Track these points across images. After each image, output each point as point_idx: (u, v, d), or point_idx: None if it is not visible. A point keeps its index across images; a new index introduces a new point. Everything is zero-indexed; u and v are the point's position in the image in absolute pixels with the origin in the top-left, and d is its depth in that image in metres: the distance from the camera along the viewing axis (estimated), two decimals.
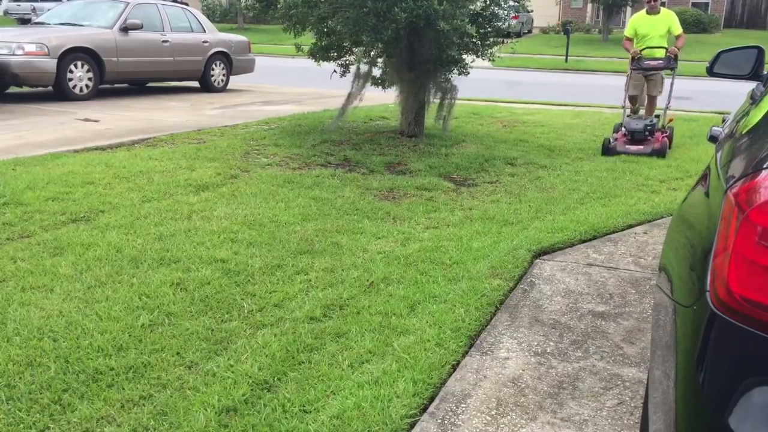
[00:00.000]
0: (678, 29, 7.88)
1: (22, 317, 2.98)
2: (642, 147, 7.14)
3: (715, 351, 1.28)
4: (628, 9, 35.09)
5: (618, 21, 37.26)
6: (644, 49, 7.71)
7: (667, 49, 7.78)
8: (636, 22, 8.03)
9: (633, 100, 8.07)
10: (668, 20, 7.88)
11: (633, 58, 7.75)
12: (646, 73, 7.78)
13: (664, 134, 7.51)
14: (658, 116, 7.71)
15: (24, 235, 4.05)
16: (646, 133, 7.24)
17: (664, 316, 1.59)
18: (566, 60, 23.81)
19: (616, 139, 7.33)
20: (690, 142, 8.13)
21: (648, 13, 7.97)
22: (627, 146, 7.17)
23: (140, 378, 2.56)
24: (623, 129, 7.42)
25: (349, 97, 7.43)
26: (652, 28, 7.86)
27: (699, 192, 1.76)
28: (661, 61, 7.64)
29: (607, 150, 7.13)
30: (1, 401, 2.37)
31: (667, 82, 7.98)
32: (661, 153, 7.10)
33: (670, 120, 8.02)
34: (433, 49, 6.94)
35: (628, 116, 7.55)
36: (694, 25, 34.32)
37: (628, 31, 8.08)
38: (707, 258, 1.33)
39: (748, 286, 1.23)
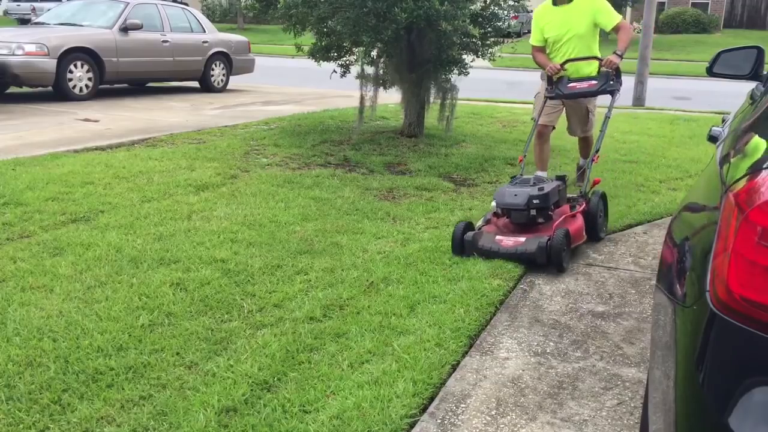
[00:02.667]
0: (611, 19, 5.02)
1: (21, 317, 2.97)
2: (522, 240, 3.84)
3: (715, 351, 1.28)
4: (629, 9, 35.12)
5: None
6: (566, 62, 4.97)
7: (600, 60, 4.99)
8: (540, 19, 5.20)
9: (542, 134, 5.33)
10: (591, 9, 5.05)
11: (549, 79, 4.98)
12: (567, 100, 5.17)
13: (579, 209, 4.22)
14: (563, 178, 4.32)
15: (24, 235, 4.04)
16: (533, 212, 3.96)
17: (664, 316, 1.59)
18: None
19: (485, 223, 4.20)
20: (690, 142, 8.12)
21: (555, 3, 5.16)
22: (497, 239, 3.90)
23: (140, 378, 2.56)
24: (494, 203, 4.15)
25: (362, 101, 7.43)
26: (566, 27, 5.07)
27: (699, 192, 1.76)
28: (592, 83, 4.83)
29: (460, 245, 3.89)
30: (1, 401, 2.37)
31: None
32: (553, 258, 3.75)
33: (596, 182, 4.58)
34: (434, 49, 6.94)
35: (513, 177, 4.39)
36: (693, 25, 34.33)
37: (534, 38, 5.25)
38: (707, 258, 1.33)
39: (748, 286, 1.23)
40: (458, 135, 7.91)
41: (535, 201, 3.92)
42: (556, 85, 4.94)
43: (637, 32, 12.40)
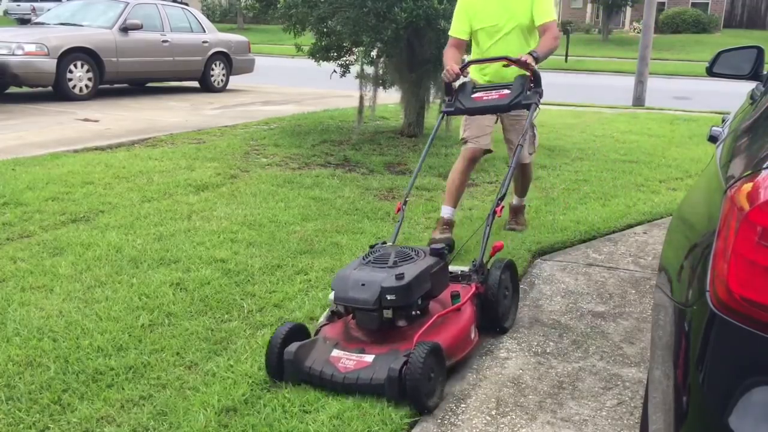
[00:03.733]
0: (546, 14, 3.96)
1: (21, 317, 2.98)
2: (368, 360, 2.53)
3: (715, 351, 1.28)
4: (629, 9, 35.14)
5: (618, 21, 37.29)
6: (468, 64, 3.84)
7: (528, 65, 3.57)
8: (469, 6, 4.05)
9: (472, 159, 4.19)
10: None
11: (447, 88, 3.74)
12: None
13: (466, 296, 2.86)
14: (440, 252, 2.82)
15: (24, 235, 4.04)
16: (389, 311, 2.58)
17: (664, 316, 1.59)
18: (566, 60, 23.81)
19: (327, 321, 2.82)
20: (690, 142, 8.12)
21: None
22: (334, 356, 2.56)
23: (140, 378, 2.56)
24: (332, 296, 2.70)
25: (361, 101, 7.43)
26: (506, 15, 3.98)
27: (699, 192, 1.76)
28: (503, 92, 3.57)
29: (277, 367, 2.55)
30: (1, 401, 2.37)
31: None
32: (409, 394, 2.39)
33: (496, 248, 3.11)
34: (434, 49, 6.93)
35: (372, 247, 2.95)
36: (693, 25, 34.35)
37: (456, 28, 4.09)
38: (707, 258, 1.33)
39: (748, 286, 1.23)
40: (458, 135, 7.90)
41: (389, 297, 2.50)
42: (456, 95, 3.66)
43: (637, 32, 12.39)
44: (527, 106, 3.52)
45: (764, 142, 1.51)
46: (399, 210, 3.38)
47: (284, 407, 2.40)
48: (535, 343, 3.01)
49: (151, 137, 7.20)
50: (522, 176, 4.40)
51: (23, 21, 22.66)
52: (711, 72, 3.38)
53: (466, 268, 3.11)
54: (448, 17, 6.45)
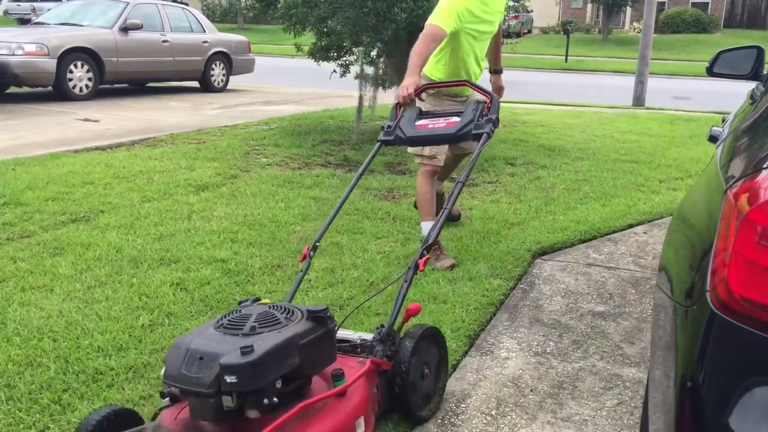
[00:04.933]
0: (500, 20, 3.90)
1: (22, 317, 2.98)
2: None
3: (715, 351, 1.28)
4: (629, 9, 35.14)
5: (618, 21, 37.29)
6: (425, 87, 3.52)
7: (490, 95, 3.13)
8: (465, 2, 3.63)
9: (435, 169, 3.96)
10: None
11: (395, 107, 3.22)
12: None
13: (357, 374, 2.11)
14: (321, 315, 2.01)
15: (24, 235, 4.05)
16: (232, 398, 1.79)
17: (664, 316, 1.59)
18: (566, 60, 23.83)
19: (165, 408, 1.96)
20: (690, 142, 8.12)
21: None
22: None
23: (140, 378, 2.56)
24: (163, 374, 1.89)
25: (360, 101, 7.42)
26: (493, 19, 3.80)
27: (699, 192, 1.76)
28: (451, 120, 3.03)
29: None
30: (1, 401, 2.37)
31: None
32: None
33: (411, 311, 2.35)
34: None
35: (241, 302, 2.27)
36: (693, 24, 34.36)
37: (447, 21, 3.56)
38: (707, 258, 1.33)
39: (748, 286, 1.23)
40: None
41: (229, 378, 1.77)
42: (398, 121, 3.10)
43: (637, 32, 12.39)
44: (477, 137, 2.90)
45: (764, 142, 1.51)
46: (304, 257, 2.63)
47: None
48: (535, 343, 3.01)
49: (151, 137, 7.20)
50: (418, 188, 3.94)
51: (23, 21, 22.68)
52: (711, 72, 3.38)
53: (368, 336, 2.38)
54: None
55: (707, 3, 37.06)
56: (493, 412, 2.46)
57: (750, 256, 1.23)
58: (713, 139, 2.65)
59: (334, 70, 7.53)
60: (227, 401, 1.80)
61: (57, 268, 3.53)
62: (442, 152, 3.90)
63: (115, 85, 11.23)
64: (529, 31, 36.40)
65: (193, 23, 11.87)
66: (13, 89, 10.28)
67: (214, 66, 11.99)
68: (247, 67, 12.79)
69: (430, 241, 2.55)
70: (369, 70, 7.45)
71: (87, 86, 9.92)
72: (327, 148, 6.93)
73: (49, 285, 3.34)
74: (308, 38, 7.45)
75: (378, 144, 3.11)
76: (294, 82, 14.08)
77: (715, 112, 10.73)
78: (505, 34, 8.20)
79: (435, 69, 3.83)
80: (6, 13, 28.73)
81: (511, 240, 4.23)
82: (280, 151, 6.68)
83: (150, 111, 9.31)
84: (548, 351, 2.95)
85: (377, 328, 2.38)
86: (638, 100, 12.20)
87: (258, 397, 1.82)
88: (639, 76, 12.27)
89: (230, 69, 12.34)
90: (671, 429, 1.36)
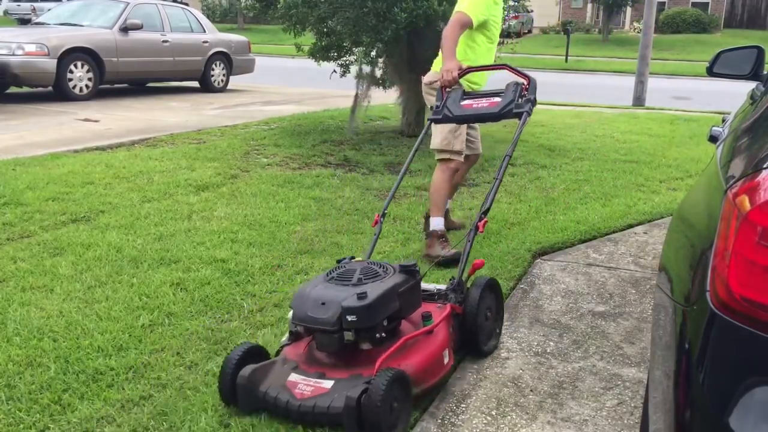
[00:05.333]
0: None
1: (22, 317, 2.98)
2: (327, 387, 2.32)
3: (715, 351, 1.28)
4: (629, 9, 35.13)
5: (618, 21, 37.29)
6: (486, 69, 3.85)
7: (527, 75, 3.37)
8: (491, 2, 3.92)
9: (459, 165, 4.05)
10: None
11: (440, 90, 3.51)
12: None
13: (440, 317, 2.62)
14: (412, 268, 2.57)
15: (24, 235, 4.05)
16: (351, 333, 2.37)
17: (664, 316, 1.59)
18: (566, 60, 23.82)
19: (289, 342, 2.57)
20: (690, 142, 8.12)
21: None
22: (291, 381, 2.36)
23: (140, 378, 2.56)
24: (291, 314, 2.51)
25: (356, 99, 7.41)
26: (500, 22, 4.10)
27: (699, 192, 1.76)
28: (494, 100, 3.31)
29: (230, 391, 2.36)
30: (1, 401, 2.37)
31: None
32: (369, 425, 2.17)
33: (476, 266, 2.87)
34: (434, 49, 6.92)
35: (339, 261, 2.70)
36: (694, 24, 34.35)
37: (477, 11, 3.82)
38: (707, 258, 1.33)
39: (748, 286, 1.23)
40: None
41: (350, 317, 2.30)
42: (445, 101, 3.41)
43: (637, 32, 12.39)
44: (518, 115, 3.21)
45: (764, 142, 1.51)
46: (376, 223, 3.11)
47: None
48: (536, 343, 3.01)
49: (151, 137, 7.20)
50: (434, 182, 4.00)
51: (23, 21, 22.69)
52: (711, 72, 3.38)
53: (443, 287, 2.87)
54: (447, 19, 6.47)
55: (707, 3, 37.06)
56: (494, 412, 2.46)
57: (750, 256, 1.23)
58: (713, 139, 2.65)
59: (334, 70, 7.53)
60: (348, 336, 2.33)
61: (57, 268, 3.53)
62: (465, 150, 4.02)
63: (115, 85, 11.23)
64: (529, 31, 36.40)
65: (193, 23, 11.86)
66: (13, 89, 10.28)
67: (214, 66, 11.99)
68: (248, 67, 12.79)
69: (488, 206, 2.97)
70: (368, 69, 7.45)
71: (87, 86, 9.92)
72: (327, 148, 6.93)
73: (49, 285, 3.34)
74: (308, 38, 7.45)
75: (428, 123, 3.54)
76: (294, 82, 14.08)
77: (715, 112, 10.73)
78: (505, 34, 8.19)
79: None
80: (6, 13, 28.73)
81: (511, 240, 4.23)
82: (281, 151, 6.68)
83: (150, 111, 9.31)
84: (548, 351, 2.95)
85: (450, 280, 2.87)
86: (638, 100, 12.20)
87: (371, 333, 2.36)
88: (639, 76, 12.27)
89: (230, 69, 12.33)
90: (671, 429, 1.36)
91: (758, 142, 1.58)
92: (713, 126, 2.98)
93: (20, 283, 3.34)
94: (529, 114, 3.22)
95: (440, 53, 3.86)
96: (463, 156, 3.99)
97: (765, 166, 1.31)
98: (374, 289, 2.37)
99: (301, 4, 6.81)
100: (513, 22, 30.29)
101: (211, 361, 2.70)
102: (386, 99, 8.68)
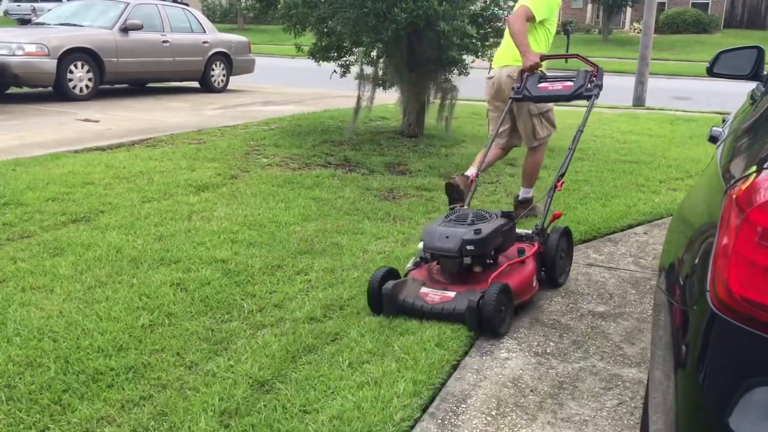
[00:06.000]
0: None
1: (22, 317, 2.98)
2: (451, 296, 3.10)
3: (716, 351, 1.28)
4: (629, 9, 35.12)
5: (618, 21, 37.28)
6: (558, 57, 4.48)
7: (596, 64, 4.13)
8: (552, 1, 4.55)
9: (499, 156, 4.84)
10: None
11: (521, 73, 4.20)
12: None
13: (529, 252, 3.43)
14: (509, 215, 3.43)
15: (24, 235, 4.04)
16: (468, 258, 3.17)
17: (664, 316, 1.59)
18: (566, 61, 23.80)
19: (414, 267, 3.41)
20: (690, 142, 8.12)
21: None
22: (422, 292, 3.15)
23: (140, 378, 2.56)
24: (421, 245, 3.31)
25: (359, 101, 7.41)
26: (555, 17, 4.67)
27: (699, 192, 1.76)
28: (567, 84, 4.02)
29: (378, 300, 3.14)
30: (1, 401, 2.37)
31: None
32: (484, 323, 2.99)
33: (555, 216, 3.74)
34: (434, 49, 6.94)
35: (452, 209, 3.64)
36: (694, 25, 34.34)
37: (539, 9, 4.40)
38: (707, 258, 1.33)
39: (748, 286, 1.23)
40: (458, 135, 7.92)
41: (469, 247, 3.09)
42: (525, 83, 4.07)
43: (637, 32, 12.39)
44: (587, 97, 3.94)
45: (764, 142, 1.51)
46: (472, 181, 4.14)
47: (284, 407, 2.40)
48: (536, 344, 3.01)
49: (151, 137, 7.20)
50: (531, 163, 4.72)
51: (23, 21, 22.68)
52: (711, 72, 3.38)
53: (529, 231, 3.68)
54: (448, 18, 6.48)
55: (707, 3, 37.04)
56: (494, 413, 2.46)
57: (750, 256, 1.23)
58: (713, 139, 2.65)
59: (335, 71, 7.53)
60: (466, 260, 3.14)
61: (57, 269, 3.52)
62: (506, 137, 4.72)
63: (116, 86, 11.22)
64: None
65: (193, 23, 11.86)
66: (13, 89, 10.28)
67: (214, 66, 11.98)
68: (248, 68, 12.78)
69: (564, 170, 3.75)
70: (369, 70, 7.44)
71: (87, 86, 9.92)
72: (327, 149, 6.93)
73: (49, 285, 3.34)
74: (308, 38, 7.45)
75: (510, 101, 4.20)
76: (294, 83, 14.08)
77: (715, 113, 10.72)
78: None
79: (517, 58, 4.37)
80: (6, 13, 28.74)
81: None
82: (281, 152, 6.68)
83: (150, 111, 9.31)
84: (548, 351, 2.95)
85: (535, 227, 3.69)
86: (638, 101, 12.20)
87: (482, 259, 3.19)
88: (639, 77, 12.27)
89: (230, 69, 12.33)
90: (671, 429, 1.36)
91: (758, 142, 1.58)
92: (713, 126, 2.98)
93: (20, 284, 3.34)
94: (597, 96, 3.95)
95: (502, 46, 4.67)
96: (550, 135, 4.68)
97: (765, 166, 1.31)
98: (486, 227, 3.18)
99: (302, 4, 6.80)
100: None
101: (211, 361, 2.70)
102: (386, 99, 8.68)
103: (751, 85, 3.07)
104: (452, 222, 3.30)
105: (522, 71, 4.18)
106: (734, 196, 1.31)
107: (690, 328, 1.37)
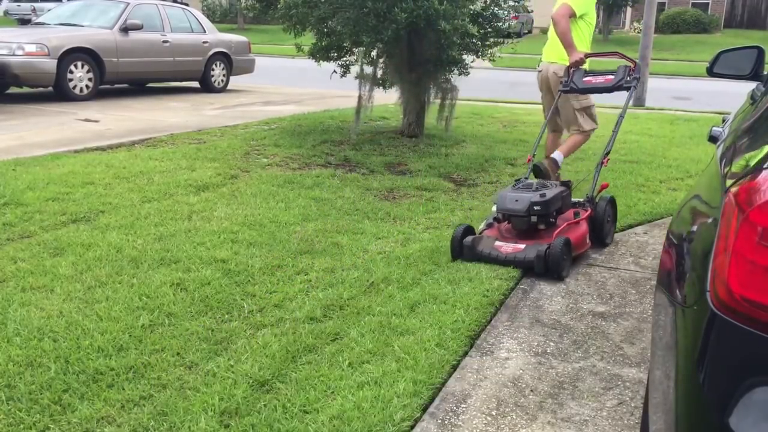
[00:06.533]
0: None
1: (22, 317, 2.98)
2: (521, 247, 3.80)
3: (716, 351, 1.28)
4: (629, 9, 35.12)
5: (618, 21, 37.27)
6: (599, 56, 5.00)
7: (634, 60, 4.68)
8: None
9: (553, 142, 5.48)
10: None
11: (567, 69, 4.77)
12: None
13: (583, 215, 4.12)
14: (567, 183, 4.27)
15: (24, 235, 4.05)
16: (535, 217, 3.87)
17: (664, 316, 1.59)
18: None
19: (487, 227, 4.12)
20: (690, 142, 8.12)
21: None
22: (497, 245, 3.86)
23: (140, 378, 2.56)
24: (495, 208, 4.09)
25: (360, 101, 7.40)
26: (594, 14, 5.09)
27: (699, 192, 1.76)
28: (608, 77, 4.61)
29: (459, 250, 3.87)
30: (1, 401, 2.37)
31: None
32: (551, 267, 3.69)
33: (603, 186, 4.46)
34: (434, 49, 6.93)
35: (517, 180, 4.24)
36: (694, 25, 34.33)
37: (581, 6, 4.87)
38: (707, 258, 1.33)
39: (748, 286, 1.23)
40: (459, 135, 7.92)
41: (536, 207, 3.81)
42: (572, 77, 4.67)
43: (637, 32, 12.39)
44: (627, 88, 4.53)
45: (764, 142, 1.51)
46: (529, 161, 4.59)
47: (284, 407, 2.40)
48: (536, 344, 3.01)
49: (151, 137, 7.20)
50: (572, 139, 5.18)
51: (23, 21, 22.69)
52: (711, 72, 3.38)
53: (581, 199, 4.33)
54: (449, 18, 6.48)
55: (707, 3, 37.03)
56: (494, 413, 2.46)
57: (750, 256, 1.23)
58: (713, 139, 2.65)
59: (335, 71, 7.53)
60: (533, 219, 3.85)
61: (57, 269, 3.53)
62: (553, 122, 5.22)
63: (116, 86, 11.22)
64: (530, 32, 36.38)
65: (193, 23, 11.85)
66: (13, 89, 10.28)
67: (214, 66, 11.98)
68: (248, 68, 12.78)
69: (609, 148, 4.39)
70: (369, 70, 7.44)
71: (87, 86, 9.92)
72: (327, 149, 6.93)
73: (50, 285, 3.34)
74: (308, 38, 7.44)
75: (559, 93, 4.81)
76: (294, 83, 14.08)
77: (716, 113, 10.72)
78: (505, 34, 8.20)
79: (564, 56, 4.85)
80: (6, 13, 28.73)
81: None
82: (281, 152, 6.68)
83: (150, 111, 9.31)
84: (548, 351, 2.95)
85: (586, 195, 4.34)
86: (638, 101, 12.19)
87: (547, 218, 3.89)
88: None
89: (230, 69, 12.32)
90: (671, 429, 1.36)
91: (758, 142, 1.58)
92: (713, 126, 2.98)
93: (20, 284, 3.34)
94: (635, 88, 4.55)
95: (548, 42, 5.11)
96: (593, 130, 5.21)
97: (765, 166, 1.31)
98: (549, 192, 3.90)
99: (301, 4, 6.80)
100: (513, 23, 30.26)
101: (211, 361, 2.70)
102: (386, 99, 8.68)
103: (751, 85, 3.07)
104: (521, 189, 3.97)
105: (568, 68, 4.71)
106: (734, 196, 1.31)
107: (690, 328, 1.37)
